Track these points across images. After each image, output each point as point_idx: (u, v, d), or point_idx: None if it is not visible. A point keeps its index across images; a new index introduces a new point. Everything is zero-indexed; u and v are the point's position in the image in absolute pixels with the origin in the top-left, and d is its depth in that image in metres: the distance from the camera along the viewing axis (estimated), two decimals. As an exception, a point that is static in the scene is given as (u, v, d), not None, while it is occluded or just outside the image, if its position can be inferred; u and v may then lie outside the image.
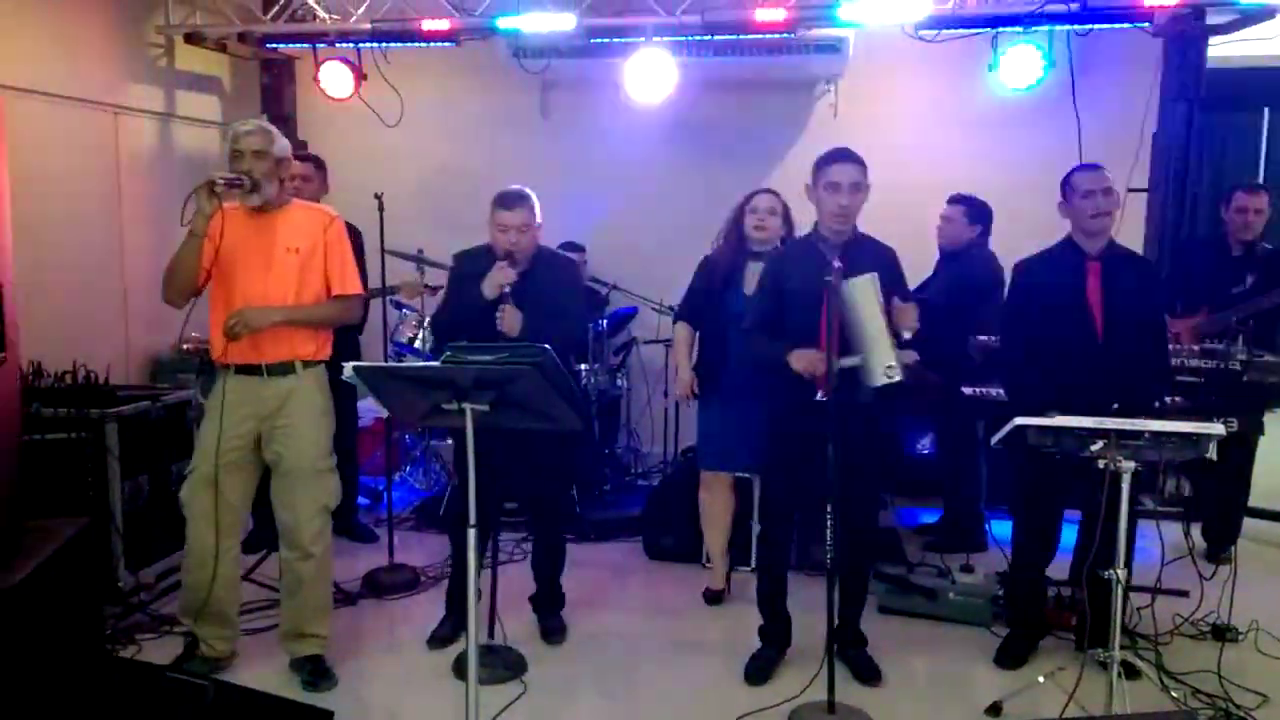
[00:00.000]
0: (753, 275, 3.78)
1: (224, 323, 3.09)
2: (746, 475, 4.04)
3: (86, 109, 4.89)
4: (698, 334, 4.00)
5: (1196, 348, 3.46)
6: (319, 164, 4.59)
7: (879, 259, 3.17)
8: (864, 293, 3.01)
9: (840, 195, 3.13)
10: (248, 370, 3.18)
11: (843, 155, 3.18)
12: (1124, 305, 3.24)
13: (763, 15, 4.88)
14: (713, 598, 4.09)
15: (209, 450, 3.16)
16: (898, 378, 2.99)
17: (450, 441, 5.18)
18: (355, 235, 4.77)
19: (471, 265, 3.50)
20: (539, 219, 3.49)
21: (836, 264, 2.98)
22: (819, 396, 3.11)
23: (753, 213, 3.80)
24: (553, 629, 3.71)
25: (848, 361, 3.04)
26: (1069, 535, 3.53)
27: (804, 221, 3.58)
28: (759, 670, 3.37)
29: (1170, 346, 3.55)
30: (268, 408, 3.19)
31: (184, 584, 3.31)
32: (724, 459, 3.94)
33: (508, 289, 3.34)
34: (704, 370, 3.92)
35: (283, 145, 3.20)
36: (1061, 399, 2.97)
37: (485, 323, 3.32)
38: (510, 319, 3.33)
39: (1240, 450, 4.18)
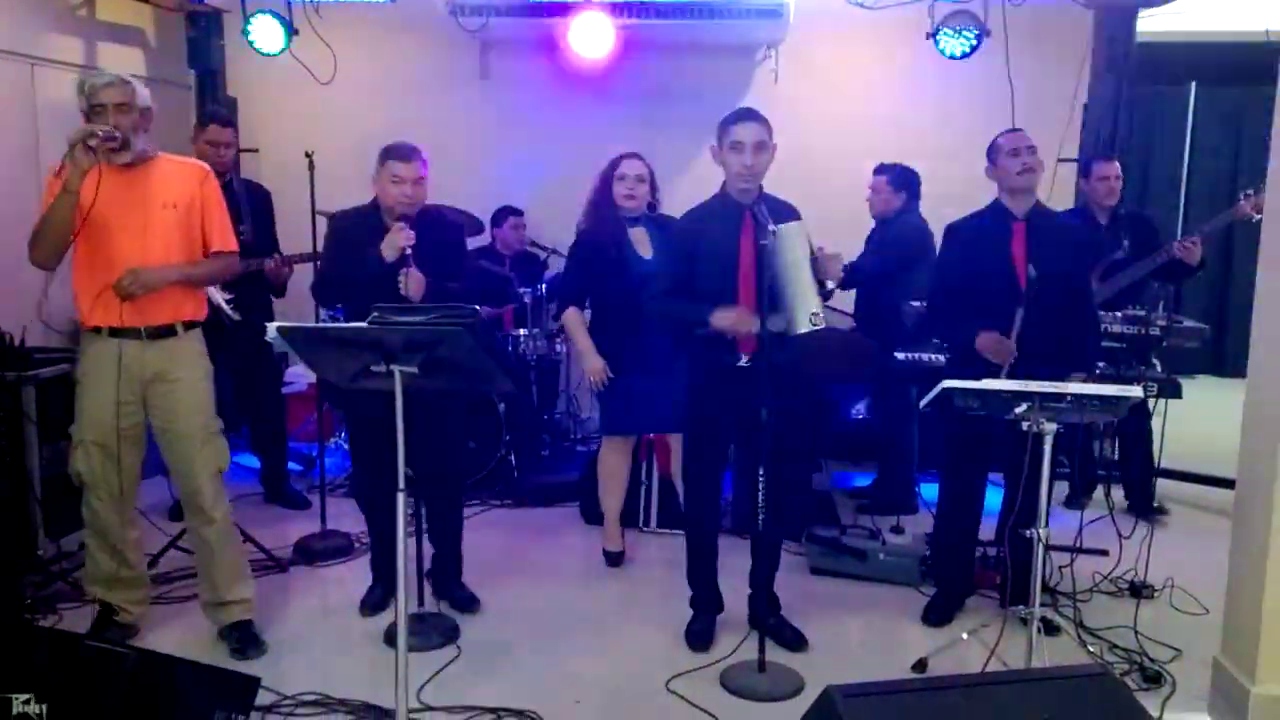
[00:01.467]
0: (640, 241, 3.78)
1: (117, 283, 2.94)
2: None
3: (1, 59, 4.67)
4: (589, 314, 3.97)
5: (1119, 314, 3.55)
6: (235, 125, 4.48)
7: (788, 216, 3.15)
8: (791, 238, 3.01)
9: (744, 154, 3.12)
10: (123, 333, 3.03)
11: (746, 114, 3.17)
12: (1047, 266, 3.31)
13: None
14: (613, 559, 4.12)
15: (92, 419, 3.05)
16: (822, 325, 3.01)
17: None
18: (264, 196, 4.67)
19: (354, 226, 3.40)
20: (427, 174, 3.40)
21: (772, 226, 2.97)
22: (741, 362, 3.12)
23: (621, 180, 3.76)
24: (465, 599, 3.62)
25: (774, 324, 3.04)
26: (992, 498, 3.62)
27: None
28: (700, 636, 3.37)
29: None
30: (150, 370, 3.08)
31: (88, 554, 3.24)
32: (625, 422, 3.97)
33: (409, 251, 3.24)
34: (610, 347, 3.88)
35: (144, 95, 3.04)
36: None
37: (383, 287, 3.16)
38: (414, 282, 3.23)
39: (1138, 418, 4.34)
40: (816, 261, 3.05)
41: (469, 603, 3.62)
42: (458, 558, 3.67)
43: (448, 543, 3.64)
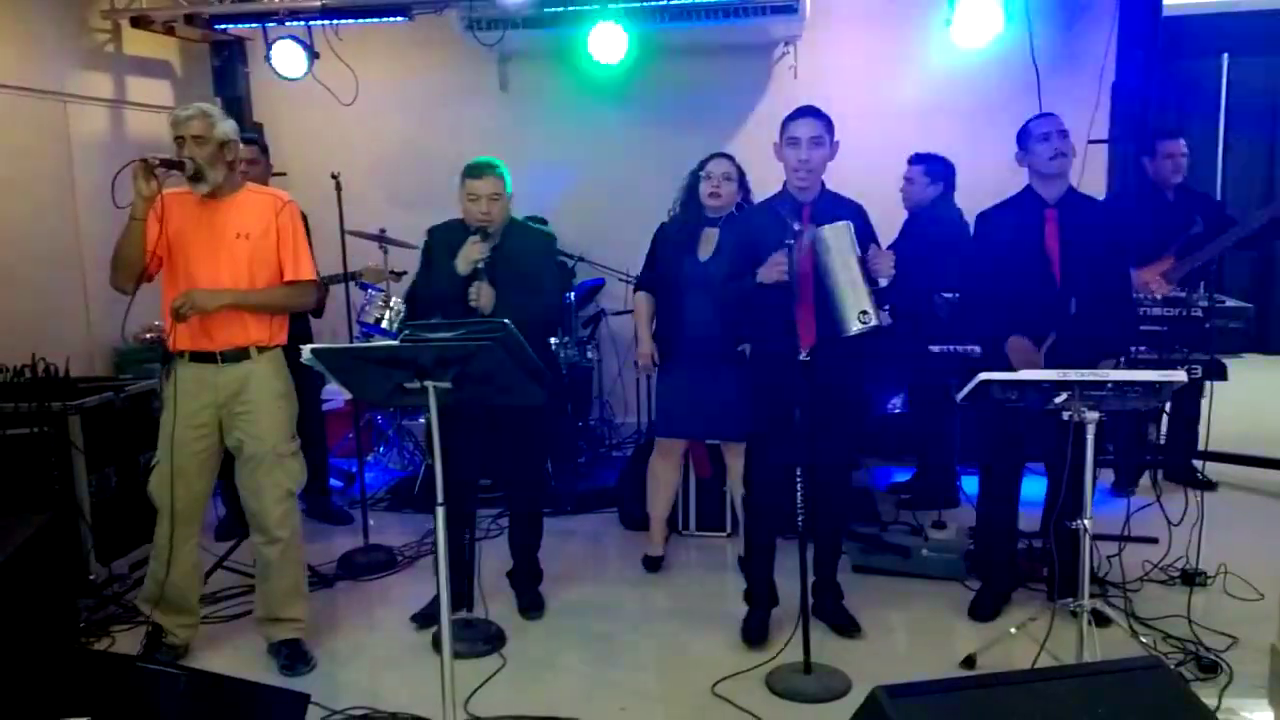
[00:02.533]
0: (707, 241, 3.77)
1: (172, 304, 3.04)
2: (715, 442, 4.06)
3: (35, 99, 4.78)
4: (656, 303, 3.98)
5: (1159, 295, 3.49)
6: (263, 147, 4.51)
7: (848, 213, 3.16)
8: (836, 239, 3.01)
9: (799, 150, 3.15)
10: (202, 358, 3.14)
11: (803, 111, 3.20)
12: (1081, 252, 3.28)
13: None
14: (651, 564, 4.11)
15: (167, 442, 3.13)
16: (873, 323, 2.99)
17: (423, 420, 5.16)
18: (301, 219, 4.71)
19: (444, 238, 3.45)
20: (510, 189, 3.44)
21: (796, 227, 2.97)
22: (802, 356, 3.12)
23: (707, 179, 3.76)
24: (531, 605, 3.70)
25: (806, 236, 3.06)
26: (1035, 488, 3.56)
27: (770, 184, 3.55)
28: (756, 631, 3.36)
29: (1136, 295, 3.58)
30: (224, 394, 3.16)
31: (149, 574, 3.30)
32: (680, 425, 3.96)
33: (481, 264, 3.30)
34: (661, 339, 3.91)
35: (225, 129, 3.11)
36: (1023, 330, 3.09)
37: (460, 298, 3.29)
38: (484, 296, 3.29)
39: (1190, 396, 4.27)
40: (865, 261, 3.04)
41: (534, 609, 3.67)
42: (537, 564, 3.75)
43: (529, 551, 3.73)
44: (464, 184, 3.40)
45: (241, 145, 4.41)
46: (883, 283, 3.06)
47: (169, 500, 3.16)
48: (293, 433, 3.29)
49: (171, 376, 3.17)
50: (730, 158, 3.81)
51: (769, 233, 3.19)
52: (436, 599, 3.60)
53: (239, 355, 3.16)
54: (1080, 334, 3.23)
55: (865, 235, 3.18)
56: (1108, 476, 4.69)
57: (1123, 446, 4.61)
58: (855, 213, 3.23)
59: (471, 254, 3.30)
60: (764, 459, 3.38)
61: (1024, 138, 3.39)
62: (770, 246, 3.17)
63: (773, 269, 3.09)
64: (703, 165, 3.81)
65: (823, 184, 3.26)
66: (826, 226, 3.02)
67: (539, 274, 3.50)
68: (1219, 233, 4.35)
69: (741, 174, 3.82)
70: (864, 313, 2.98)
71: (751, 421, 3.40)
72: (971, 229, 3.73)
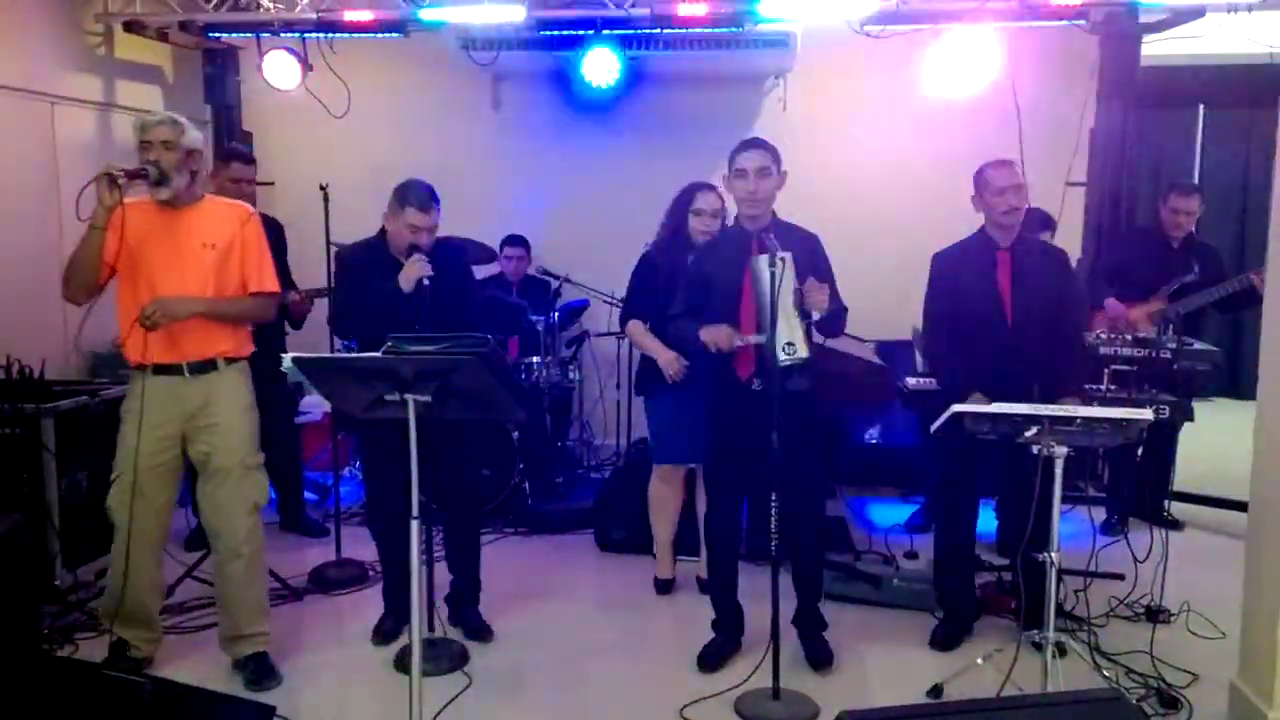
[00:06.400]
0: None
1: (141, 313, 2.97)
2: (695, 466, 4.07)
3: (22, 98, 4.77)
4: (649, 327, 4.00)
5: (1129, 336, 3.56)
6: (250, 159, 4.56)
7: (798, 244, 3.20)
8: (766, 271, 3.05)
9: (746, 181, 3.23)
10: (168, 370, 3.10)
11: (749, 143, 3.28)
12: (1032, 293, 3.38)
13: (686, 10, 4.91)
14: (662, 586, 4.12)
15: (129, 456, 3.09)
16: (800, 355, 3.03)
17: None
18: (278, 229, 4.73)
19: (365, 260, 3.45)
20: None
21: (781, 254, 3.01)
22: (754, 386, 3.18)
23: (697, 215, 3.78)
24: (479, 628, 3.63)
25: (752, 338, 3.13)
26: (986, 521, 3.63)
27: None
28: (710, 657, 3.40)
29: (1101, 334, 3.65)
30: (190, 406, 3.13)
31: (108, 588, 3.25)
32: (679, 452, 3.96)
33: (426, 282, 3.31)
34: (653, 366, 3.92)
35: (193, 137, 3.11)
36: (981, 384, 3.18)
37: (399, 317, 3.22)
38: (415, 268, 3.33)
39: (1164, 436, 4.34)
40: (800, 293, 3.08)
41: (482, 632, 3.62)
42: (475, 585, 3.69)
43: (466, 570, 3.66)
44: (404, 212, 3.37)
45: (237, 165, 4.47)
46: (815, 315, 3.10)
47: (127, 516, 3.11)
48: (258, 445, 3.27)
49: (137, 390, 3.11)
50: (715, 189, 3.84)
51: (719, 261, 3.32)
52: (386, 615, 3.62)
53: (206, 367, 3.14)
54: (1029, 371, 3.32)
55: (814, 266, 3.21)
56: (1098, 514, 4.72)
57: (1123, 488, 4.65)
58: (807, 242, 3.28)
59: (414, 272, 3.31)
60: (715, 484, 3.47)
61: (980, 185, 3.46)
62: (719, 283, 3.28)
63: (709, 337, 3.16)
64: (691, 198, 3.81)
65: (774, 214, 3.32)
66: (762, 257, 3.08)
67: (466, 289, 3.58)
68: (1215, 282, 4.44)
69: (723, 205, 3.87)
70: (789, 344, 3.02)
71: (705, 444, 3.45)
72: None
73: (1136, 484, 4.72)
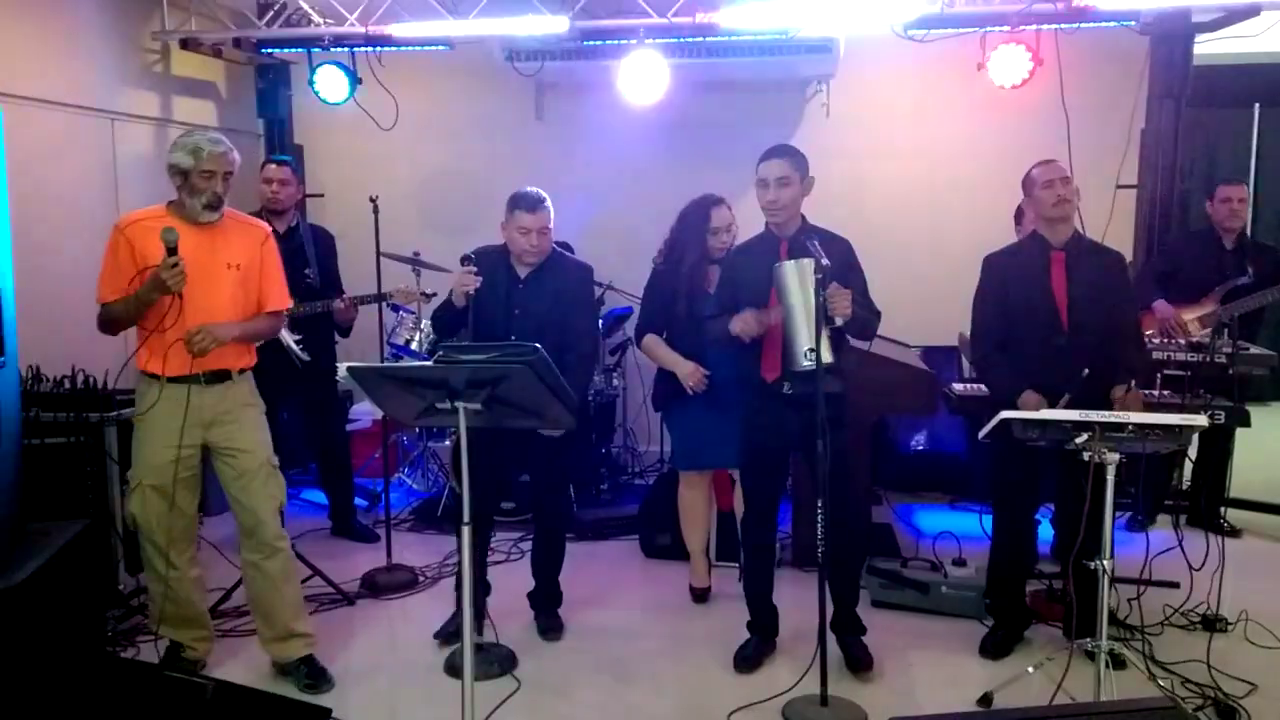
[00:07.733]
0: (712, 278, 3.81)
1: (189, 339, 3.03)
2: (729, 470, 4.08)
3: (83, 116, 4.92)
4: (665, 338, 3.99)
5: (1182, 340, 3.50)
6: (293, 168, 4.65)
7: (827, 249, 3.16)
8: (790, 276, 3.07)
9: (767, 190, 3.29)
10: (183, 379, 3.13)
11: (770, 152, 3.32)
12: (1088, 295, 3.33)
13: (728, 17, 4.90)
14: (698, 595, 4.12)
15: (149, 464, 3.15)
16: (828, 359, 3.03)
17: (448, 443, 5.23)
18: (329, 239, 4.83)
19: (486, 266, 3.50)
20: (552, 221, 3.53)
21: (825, 261, 3.02)
22: (785, 390, 3.21)
23: (714, 234, 3.78)
24: (550, 627, 3.74)
25: (774, 314, 3.16)
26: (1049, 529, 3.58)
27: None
28: (745, 659, 3.44)
29: (1159, 338, 3.59)
30: (209, 413, 3.19)
31: (149, 594, 3.34)
32: (697, 458, 3.98)
33: (471, 291, 3.40)
34: (670, 380, 3.88)
35: (237, 159, 3.19)
36: (1031, 383, 3.15)
37: (495, 325, 3.41)
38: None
39: (1220, 441, 4.27)
40: (823, 299, 3.06)
41: (553, 630, 3.73)
42: (557, 590, 3.81)
43: (551, 578, 3.78)
44: (513, 215, 3.46)
45: (273, 166, 4.57)
46: (838, 321, 3.08)
47: (151, 520, 3.18)
48: (273, 449, 3.36)
49: (154, 398, 3.15)
50: (723, 202, 3.83)
51: (750, 267, 3.35)
52: (455, 615, 3.68)
53: (221, 376, 3.21)
54: (1092, 381, 3.25)
55: (842, 271, 3.19)
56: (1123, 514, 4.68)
57: (1141, 484, 4.60)
58: (837, 247, 3.27)
59: (465, 285, 3.39)
60: (749, 487, 3.52)
61: (1028, 184, 3.46)
62: (748, 286, 3.31)
63: (740, 324, 3.20)
64: (706, 216, 3.80)
65: (803, 219, 3.35)
66: (787, 263, 3.11)
67: (572, 308, 3.56)
68: (1272, 283, 4.36)
69: (733, 215, 3.85)
70: (810, 350, 3.03)
71: (741, 447, 3.48)
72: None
73: (1191, 490, 4.65)
